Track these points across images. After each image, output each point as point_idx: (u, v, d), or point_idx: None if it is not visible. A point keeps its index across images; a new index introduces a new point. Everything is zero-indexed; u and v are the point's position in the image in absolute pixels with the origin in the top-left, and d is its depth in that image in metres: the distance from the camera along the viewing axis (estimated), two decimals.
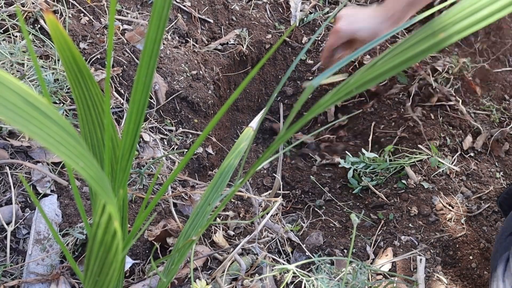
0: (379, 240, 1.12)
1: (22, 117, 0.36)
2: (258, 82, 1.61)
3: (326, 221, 1.23)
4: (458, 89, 1.47)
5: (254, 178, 1.40)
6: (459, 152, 1.32)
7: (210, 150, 1.34)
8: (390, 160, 1.27)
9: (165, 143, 1.21)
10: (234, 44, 1.51)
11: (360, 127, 1.51)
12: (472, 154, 1.34)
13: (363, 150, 1.30)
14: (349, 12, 1.14)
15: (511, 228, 0.98)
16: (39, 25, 1.22)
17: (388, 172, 1.26)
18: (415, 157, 1.26)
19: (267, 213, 1.08)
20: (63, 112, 1.10)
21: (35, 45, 1.19)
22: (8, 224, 0.90)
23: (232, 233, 1.06)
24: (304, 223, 1.20)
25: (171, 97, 1.27)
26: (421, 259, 1.03)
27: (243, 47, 1.51)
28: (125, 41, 1.30)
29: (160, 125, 1.23)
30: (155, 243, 0.95)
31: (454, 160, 1.29)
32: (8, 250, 0.88)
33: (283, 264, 0.98)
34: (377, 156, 1.27)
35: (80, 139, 0.41)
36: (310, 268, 1.02)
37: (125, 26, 1.35)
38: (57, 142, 0.38)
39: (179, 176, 1.15)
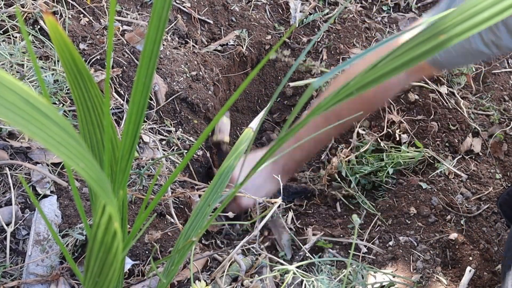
0: (378, 241, 1.12)
1: (22, 117, 0.36)
2: (258, 83, 1.61)
3: (323, 220, 1.23)
4: (458, 90, 1.48)
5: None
6: (458, 153, 1.32)
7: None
8: (381, 160, 1.26)
9: (165, 144, 1.21)
10: (234, 45, 1.51)
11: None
12: (471, 155, 1.34)
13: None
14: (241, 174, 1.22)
15: None
16: (38, 26, 1.22)
17: (386, 172, 1.26)
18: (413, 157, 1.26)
19: (267, 214, 1.08)
20: (63, 113, 1.10)
21: (34, 46, 1.19)
22: (7, 225, 0.90)
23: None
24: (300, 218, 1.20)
25: (170, 98, 1.27)
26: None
27: (242, 48, 1.51)
28: (125, 42, 1.30)
29: (159, 126, 1.23)
30: (155, 244, 0.95)
31: (454, 161, 1.29)
32: (7, 251, 0.88)
33: (283, 264, 0.98)
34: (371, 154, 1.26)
35: (80, 140, 0.41)
36: (309, 268, 1.01)
37: (125, 27, 1.35)
38: (57, 142, 0.38)
39: (179, 177, 1.15)
